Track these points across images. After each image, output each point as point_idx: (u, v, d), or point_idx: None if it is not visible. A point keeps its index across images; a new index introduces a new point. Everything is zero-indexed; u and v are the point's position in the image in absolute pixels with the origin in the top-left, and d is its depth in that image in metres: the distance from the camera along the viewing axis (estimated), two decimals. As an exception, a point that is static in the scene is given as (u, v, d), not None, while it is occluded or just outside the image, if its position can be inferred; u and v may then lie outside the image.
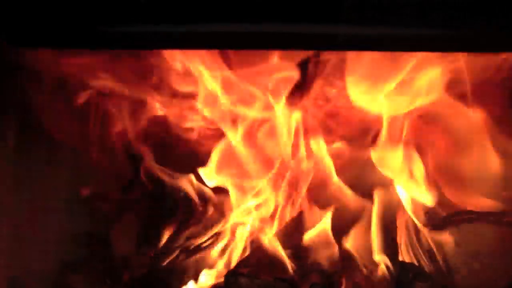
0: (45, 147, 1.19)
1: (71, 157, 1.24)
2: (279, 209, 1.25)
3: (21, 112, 1.15)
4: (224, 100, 1.21)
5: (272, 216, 1.25)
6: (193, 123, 1.28)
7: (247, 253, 1.19)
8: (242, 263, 1.15)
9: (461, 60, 1.12)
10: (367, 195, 1.21)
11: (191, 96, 1.23)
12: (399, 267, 1.16)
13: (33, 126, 1.17)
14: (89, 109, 1.26)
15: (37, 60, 1.10)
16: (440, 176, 1.23)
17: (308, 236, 1.17)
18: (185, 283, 1.19)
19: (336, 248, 1.16)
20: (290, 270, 1.12)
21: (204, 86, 1.20)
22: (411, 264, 1.18)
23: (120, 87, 1.20)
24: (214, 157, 1.26)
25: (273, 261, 1.13)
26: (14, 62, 1.08)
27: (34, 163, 1.17)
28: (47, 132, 1.19)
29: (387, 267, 1.14)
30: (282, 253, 1.14)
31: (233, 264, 1.19)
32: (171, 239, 1.28)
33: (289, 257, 1.14)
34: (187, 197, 1.30)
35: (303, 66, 1.17)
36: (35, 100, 1.15)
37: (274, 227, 1.22)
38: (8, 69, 1.09)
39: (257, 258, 1.15)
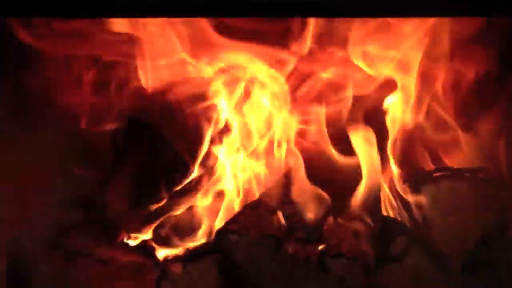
0: (42, 113, 1.22)
1: (67, 123, 1.26)
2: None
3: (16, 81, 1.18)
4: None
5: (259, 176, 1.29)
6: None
7: (236, 212, 1.24)
8: (231, 221, 1.20)
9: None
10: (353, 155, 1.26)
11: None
12: (381, 222, 1.23)
13: (28, 94, 1.19)
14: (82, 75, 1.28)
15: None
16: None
17: (294, 195, 1.22)
18: (177, 241, 1.24)
19: (320, 205, 1.21)
20: (276, 227, 1.18)
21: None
22: (392, 218, 1.24)
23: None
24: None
25: (260, 219, 1.19)
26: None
27: (31, 131, 1.21)
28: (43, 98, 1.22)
29: (370, 221, 1.20)
30: (269, 211, 1.20)
31: (223, 222, 1.24)
32: (162, 198, 1.32)
33: (275, 215, 1.20)
34: (179, 157, 1.34)
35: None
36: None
37: (261, 187, 1.27)
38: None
39: (245, 217, 1.20)
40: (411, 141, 1.28)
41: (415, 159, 1.26)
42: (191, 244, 1.25)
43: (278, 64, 1.25)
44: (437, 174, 1.23)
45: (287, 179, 1.25)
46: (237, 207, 1.28)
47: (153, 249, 1.26)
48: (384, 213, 1.26)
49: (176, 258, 1.22)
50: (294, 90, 1.29)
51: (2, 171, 1.16)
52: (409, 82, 1.26)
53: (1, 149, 1.16)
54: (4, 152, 1.17)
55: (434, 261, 1.15)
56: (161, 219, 1.30)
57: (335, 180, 1.24)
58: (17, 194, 1.19)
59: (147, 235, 1.29)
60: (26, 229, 1.19)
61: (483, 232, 1.13)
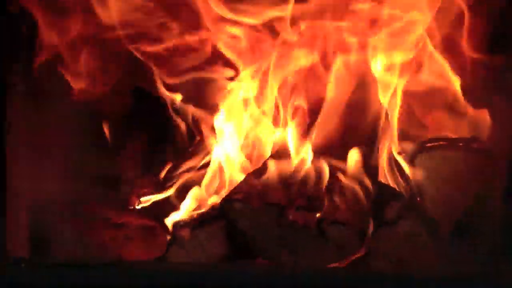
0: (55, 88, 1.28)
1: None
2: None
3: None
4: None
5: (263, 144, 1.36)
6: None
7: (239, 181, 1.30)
8: (235, 190, 1.28)
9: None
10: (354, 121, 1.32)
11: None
12: (377, 188, 1.30)
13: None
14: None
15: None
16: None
17: (295, 164, 1.29)
18: (185, 208, 1.32)
19: (320, 174, 1.29)
20: (279, 196, 1.26)
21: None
22: (388, 185, 1.31)
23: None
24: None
25: (263, 188, 1.27)
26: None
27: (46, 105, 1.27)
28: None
29: (367, 187, 1.28)
30: (271, 180, 1.28)
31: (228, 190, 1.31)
32: (172, 166, 1.40)
33: (277, 184, 1.27)
34: (188, 126, 1.41)
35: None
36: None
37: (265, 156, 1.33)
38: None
39: (248, 185, 1.28)
40: (407, 111, 1.33)
41: (411, 128, 1.32)
42: (198, 210, 1.33)
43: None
44: (432, 144, 1.29)
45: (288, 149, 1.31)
46: (241, 175, 1.34)
47: (163, 214, 1.35)
48: (382, 180, 1.33)
49: (184, 224, 1.30)
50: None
51: (22, 144, 1.24)
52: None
53: (21, 126, 1.23)
54: (23, 128, 1.24)
55: (425, 226, 1.23)
56: (170, 184, 1.38)
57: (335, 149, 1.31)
58: (38, 166, 1.26)
59: (157, 199, 1.38)
60: (48, 198, 1.27)
61: (471, 200, 1.20)
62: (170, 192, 1.37)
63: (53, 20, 1.26)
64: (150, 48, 1.32)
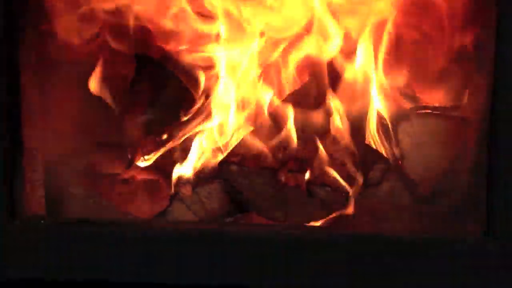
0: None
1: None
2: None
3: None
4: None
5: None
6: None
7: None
8: (232, 153, 1.39)
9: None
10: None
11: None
12: (364, 150, 1.42)
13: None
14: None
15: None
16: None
17: (286, 129, 1.39)
18: (187, 166, 1.43)
19: (311, 139, 1.40)
20: (272, 159, 1.38)
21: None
22: (374, 149, 1.42)
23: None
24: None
25: (257, 152, 1.38)
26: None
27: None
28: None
29: (354, 150, 1.39)
30: (265, 144, 1.39)
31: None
32: (174, 125, 1.50)
33: (270, 148, 1.39)
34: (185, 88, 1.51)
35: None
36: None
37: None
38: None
39: (244, 150, 1.39)
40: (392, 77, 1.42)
41: (396, 97, 1.42)
42: (199, 168, 1.44)
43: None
44: (414, 111, 1.40)
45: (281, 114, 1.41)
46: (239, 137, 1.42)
47: (166, 170, 1.47)
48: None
49: (186, 181, 1.43)
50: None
51: (35, 109, 1.33)
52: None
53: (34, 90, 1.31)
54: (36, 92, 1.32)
55: (406, 188, 1.36)
56: (171, 143, 1.49)
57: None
58: (50, 129, 1.36)
59: (159, 157, 1.49)
60: (59, 159, 1.38)
61: (447, 165, 1.32)
62: (172, 151, 1.48)
63: None
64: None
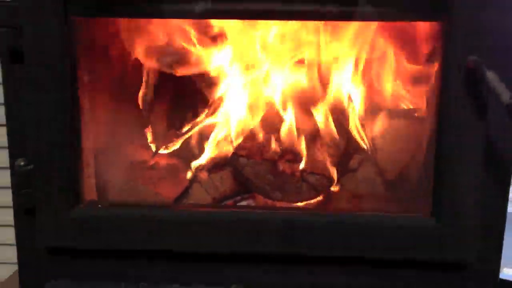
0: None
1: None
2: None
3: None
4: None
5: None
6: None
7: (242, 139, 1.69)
8: (239, 146, 1.70)
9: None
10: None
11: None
12: (346, 144, 1.76)
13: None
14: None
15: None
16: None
17: (285, 124, 1.69)
18: (204, 155, 1.73)
19: (305, 134, 1.71)
20: (272, 151, 1.72)
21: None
22: (354, 141, 1.74)
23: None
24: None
25: (260, 145, 1.72)
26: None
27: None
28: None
29: (338, 143, 1.74)
30: (267, 138, 1.73)
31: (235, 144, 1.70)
32: (192, 121, 1.80)
33: (271, 142, 1.73)
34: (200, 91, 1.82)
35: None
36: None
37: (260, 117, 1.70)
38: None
39: (250, 143, 1.73)
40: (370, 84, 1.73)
41: (374, 98, 1.71)
42: (213, 157, 1.76)
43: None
44: (386, 112, 1.73)
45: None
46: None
47: (186, 158, 1.81)
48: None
49: (203, 168, 1.77)
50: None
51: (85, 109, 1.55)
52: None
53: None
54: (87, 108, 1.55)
55: (378, 175, 1.72)
56: (189, 135, 1.81)
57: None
58: (95, 126, 1.58)
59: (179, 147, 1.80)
60: (104, 151, 1.61)
61: (409, 157, 1.67)
62: (191, 142, 1.80)
63: None
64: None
